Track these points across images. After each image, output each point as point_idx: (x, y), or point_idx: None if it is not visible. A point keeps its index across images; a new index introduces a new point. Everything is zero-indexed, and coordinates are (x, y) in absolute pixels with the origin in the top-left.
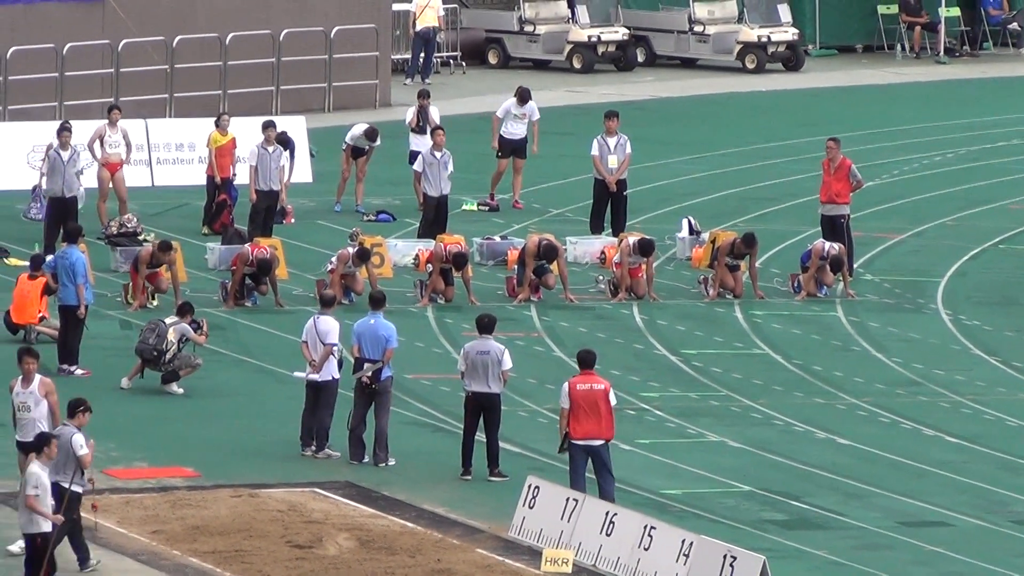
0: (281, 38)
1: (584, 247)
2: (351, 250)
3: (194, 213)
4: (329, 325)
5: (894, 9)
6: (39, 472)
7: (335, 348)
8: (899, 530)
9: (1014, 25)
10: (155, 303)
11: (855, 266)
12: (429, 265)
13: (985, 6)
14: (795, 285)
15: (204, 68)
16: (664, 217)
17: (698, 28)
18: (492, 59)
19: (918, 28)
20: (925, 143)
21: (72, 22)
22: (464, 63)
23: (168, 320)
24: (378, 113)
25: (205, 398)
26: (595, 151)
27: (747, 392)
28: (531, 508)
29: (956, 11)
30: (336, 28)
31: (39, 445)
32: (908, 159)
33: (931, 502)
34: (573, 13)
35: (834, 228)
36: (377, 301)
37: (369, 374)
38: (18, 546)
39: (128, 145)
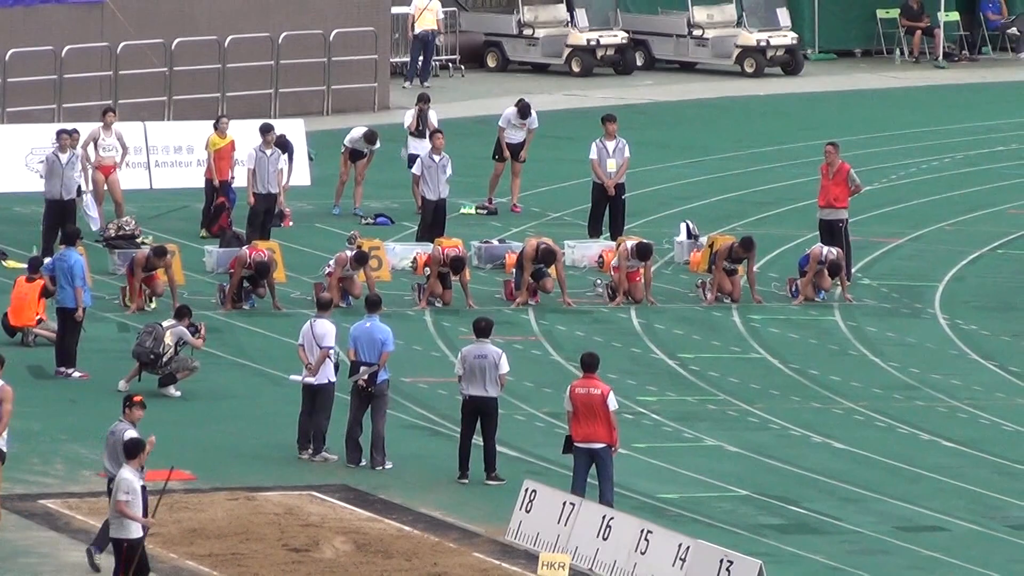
0: (280, 41)
1: (582, 251)
2: (349, 253)
3: (192, 216)
4: (325, 328)
5: (893, 13)
6: (131, 478)
7: (331, 352)
8: (896, 535)
9: (1013, 30)
10: (153, 306)
11: (853, 270)
12: (427, 268)
13: (984, 11)
14: (793, 289)
15: (203, 71)
16: (662, 221)
17: (697, 32)
18: (491, 62)
19: (917, 32)
20: (924, 147)
21: (71, 24)
22: (463, 66)
23: (165, 323)
24: (377, 116)
25: (202, 401)
26: (594, 155)
27: (744, 396)
28: (528, 512)
29: (955, 16)
30: (335, 31)
31: (133, 450)
32: (906, 163)
33: (928, 507)
34: (572, 17)
35: (832, 232)
36: (374, 304)
37: (366, 377)
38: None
39: (123, 148)
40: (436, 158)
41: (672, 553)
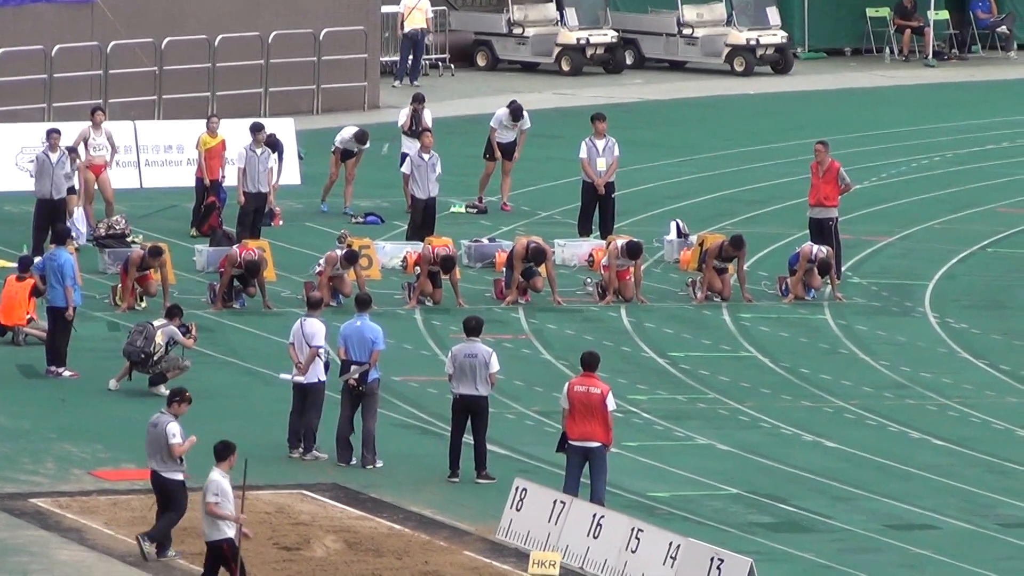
0: (270, 40)
1: (572, 249)
2: (339, 252)
3: (183, 215)
4: (315, 327)
5: (883, 12)
6: (220, 479)
7: (321, 350)
8: (886, 533)
9: (1002, 28)
10: (143, 305)
11: (843, 269)
12: (417, 267)
13: (974, 9)
14: (783, 288)
15: (193, 70)
16: (652, 220)
17: (687, 31)
18: (481, 61)
19: (907, 31)
20: (914, 146)
21: (61, 24)
22: (452, 65)
23: (156, 322)
24: (367, 115)
25: (193, 400)
26: (583, 154)
27: (735, 395)
28: (518, 510)
29: (945, 14)
30: (325, 30)
31: (223, 453)
32: (896, 162)
33: (918, 505)
34: (562, 15)
35: (822, 231)
36: (364, 303)
37: (356, 376)
38: None
39: (112, 147)
40: (425, 157)
41: (663, 551)
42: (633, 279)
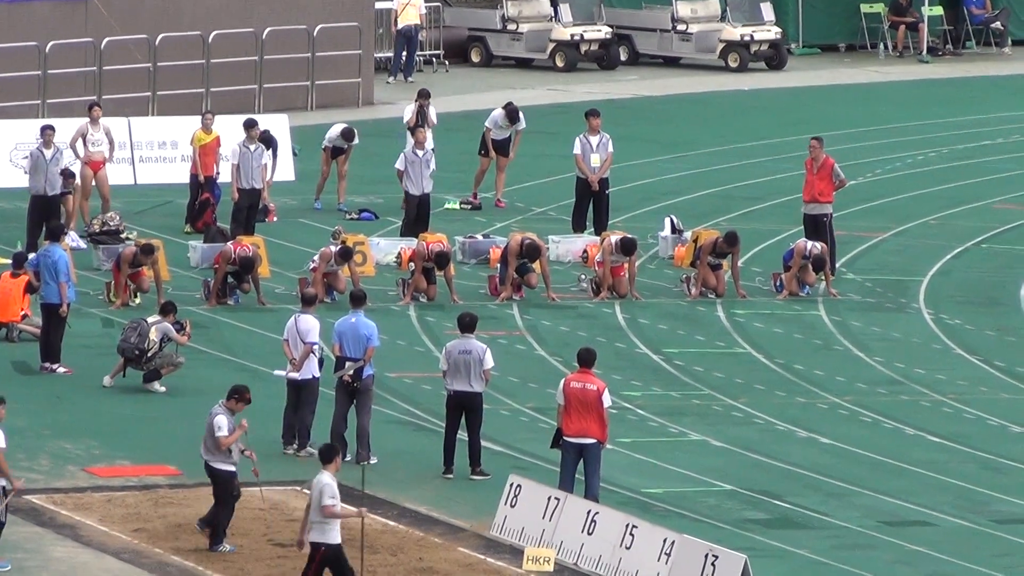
0: (264, 36)
1: (566, 246)
2: (333, 248)
3: (177, 211)
4: (309, 324)
5: (877, 8)
6: (330, 482)
7: (315, 347)
8: (881, 529)
9: (997, 24)
10: (137, 301)
11: (837, 265)
12: (411, 264)
13: (968, 5)
14: (777, 284)
15: (187, 66)
16: (646, 216)
17: (681, 27)
18: (475, 57)
19: (902, 27)
20: (908, 142)
21: (55, 20)
22: (447, 61)
23: (150, 319)
24: (361, 111)
25: (187, 396)
26: (577, 150)
27: (729, 391)
28: (513, 507)
29: (939, 10)
30: (319, 26)
31: (328, 455)
32: (891, 158)
33: (913, 501)
34: (556, 11)
35: (817, 227)
36: (358, 299)
37: (351, 373)
38: None
39: (111, 143)
40: (420, 153)
41: (657, 548)
42: (627, 275)
